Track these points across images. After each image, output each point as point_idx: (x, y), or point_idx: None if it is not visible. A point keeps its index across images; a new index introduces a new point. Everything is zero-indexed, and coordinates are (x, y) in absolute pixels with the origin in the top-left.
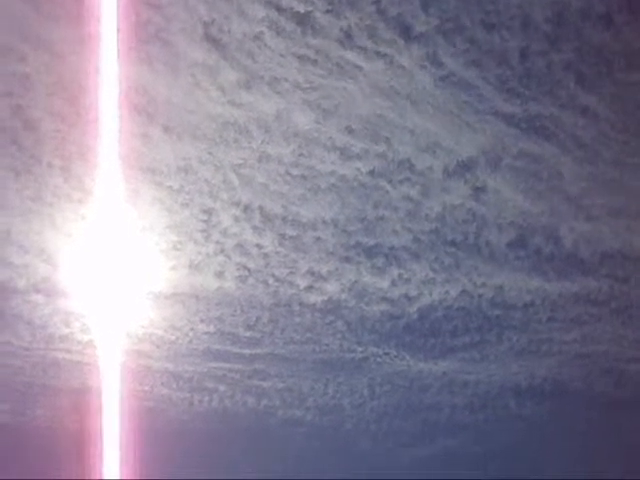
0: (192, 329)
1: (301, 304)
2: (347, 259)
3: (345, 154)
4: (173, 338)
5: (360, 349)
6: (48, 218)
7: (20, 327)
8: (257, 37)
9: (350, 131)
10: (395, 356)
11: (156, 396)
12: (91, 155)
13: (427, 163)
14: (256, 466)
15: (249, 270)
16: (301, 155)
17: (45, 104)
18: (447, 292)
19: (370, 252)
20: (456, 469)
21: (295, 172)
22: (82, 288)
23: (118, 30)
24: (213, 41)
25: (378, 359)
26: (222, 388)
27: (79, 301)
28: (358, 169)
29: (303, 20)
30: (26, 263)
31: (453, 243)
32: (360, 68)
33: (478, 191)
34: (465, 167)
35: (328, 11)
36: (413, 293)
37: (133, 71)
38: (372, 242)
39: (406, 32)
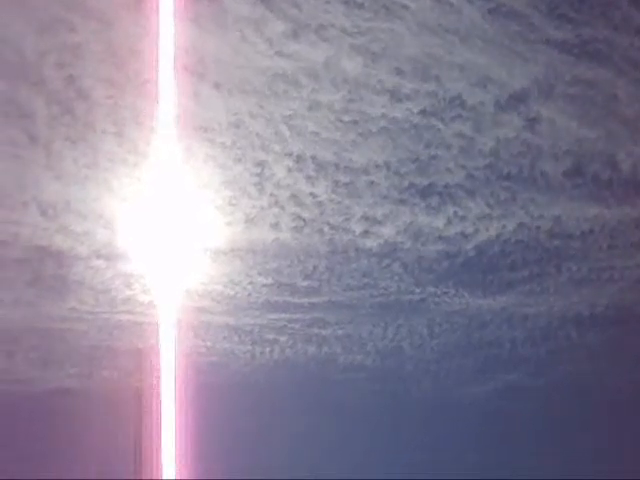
0: (250, 282)
1: (357, 250)
2: (401, 201)
3: (395, 96)
4: (232, 293)
5: (418, 290)
6: (105, 184)
7: (83, 292)
8: None
9: (399, 72)
10: (453, 294)
11: (218, 351)
12: (143, 118)
13: (478, 98)
14: (319, 414)
15: (304, 220)
16: (351, 101)
17: (96, 72)
18: (504, 227)
19: (424, 192)
20: (519, 403)
21: (346, 118)
22: (141, 250)
23: None
24: None
25: (436, 299)
26: (283, 339)
27: (139, 263)
28: (409, 110)
29: None
30: (86, 230)
31: (508, 177)
32: (407, 7)
33: (532, 122)
34: (518, 99)
35: None
36: (469, 230)
37: (181, 32)
38: (426, 182)
39: None
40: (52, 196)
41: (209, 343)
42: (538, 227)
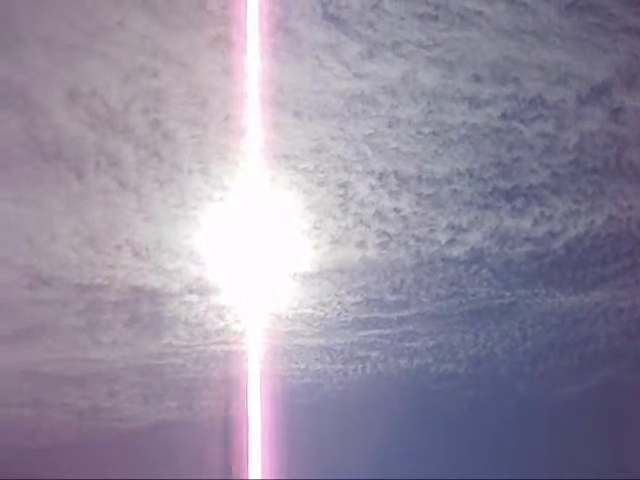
0: (339, 302)
1: (444, 259)
2: (486, 206)
3: (474, 102)
4: (322, 314)
5: (508, 294)
6: (193, 221)
7: (178, 327)
8: (375, 5)
9: (477, 79)
10: (545, 295)
11: (311, 372)
12: (227, 153)
13: (559, 95)
14: (414, 426)
15: (389, 235)
16: (430, 112)
17: (180, 114)
18: (593, 221)
19: (509, 195)
20: (618, 399)
21: (426, 130)
22: (231, 281)
23: (240, 29)
24: (332, 18)
25: (527, 300)
26: (374, 354)
27: (230, 294)
28: (489, 115)
29: None
30: (178, 267)
31: (594, 170)
32: (481, 13)
33: (616, 113)
34: (600, 91)
35: None
36: (557, 228)
37: (259, 65)
38: (510, 185)
39: None
40: (144, 237)
41: (302, 365)
42: (629, 218)
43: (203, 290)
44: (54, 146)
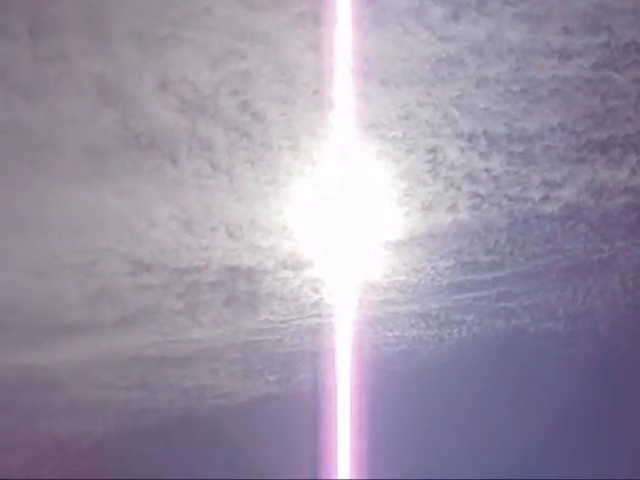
0: (433, 267)
1: (538, 217)
2: (580, 160)
3: (564, 55)
4: (415, 280)
5: (606, 247)
6: (285, 198)
7: (274, 303)
8: None
9: (567, 31)
10: None
11: (406, 339)
12: (316, 128)
13: None
14: (512, 387)
15: (481, 196)
16: (519, 69)
17: (268, 93)
18: None
19: (604, 147)
20: None
21: (515, 87)
22: (324, 254)
23: (324, 3)
24: None
25: (627, 253)
26: (470, 317)
27: (323, 267)
28: (580, 66)
29: None
30: (272, 244)
31: None
32: None
33: None
34: None
35: None
36: None
37: (343, 37)
38: (605, 136)
39: None
40: (237, 217)
41: (397, 333)
42: None
43: (297, 265)
44: (148, 136)
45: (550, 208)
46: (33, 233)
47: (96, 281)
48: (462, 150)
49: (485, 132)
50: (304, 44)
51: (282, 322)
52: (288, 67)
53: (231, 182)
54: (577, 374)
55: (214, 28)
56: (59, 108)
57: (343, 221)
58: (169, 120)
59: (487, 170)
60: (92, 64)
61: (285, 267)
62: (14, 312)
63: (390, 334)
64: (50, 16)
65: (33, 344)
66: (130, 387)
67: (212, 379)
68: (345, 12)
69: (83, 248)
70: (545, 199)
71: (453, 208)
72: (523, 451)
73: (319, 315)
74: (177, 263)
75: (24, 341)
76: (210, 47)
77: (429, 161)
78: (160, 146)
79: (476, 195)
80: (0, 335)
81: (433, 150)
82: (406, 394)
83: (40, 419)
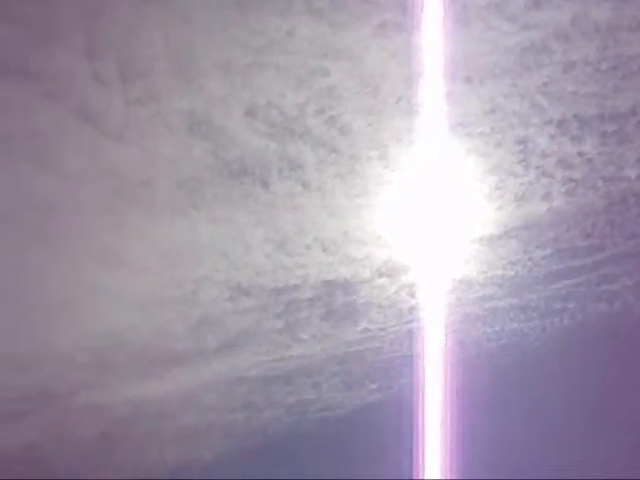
0: (529, 258)
1: (635, 195)
2: None
3: None
4: (512, 273)
5: None
6: (376, 207)
7: (372, 312)
8: None
9: None
10: None
11: (507, 333)
12: (402, 134)
13: None
14: (623, 370)
15: (575, 181)
16: (606, 48)
17: (353, 106)
18: None
19: None
20: None
21: (604, 67)
22: (419, 258)
23: (403, 12)
24: None
25: None
26: (571, 305)
27: (419, 270)
28: None
29: None
30: (366, 254)
31: None
32: None
33: None
34: None
35: None
36: None
37: (425, 41)
38: None
39: None
40: (331, 232)
41: (497, 328)
42: None
43: (392, 272)
44: (239, 163)
45: None
46: (134, 270)
47: (197, 310)
48: (552, 137)
49: (575, 116)
50: (386, 53)
51: (381, 330)
52: (372, 78)
53: (323, 198)
54: None
55: (297, 50)
56: (152, 147)
57: (436, 223)
58: (258, 145)
59: (580, 154)
60: (181, 101)
61: (381, 275)
62: (121, 348)
63: (490, 330)
64: (139, 60)
65: (141, 377)
66: (235, 409)
67: (314, 393)
68: (425, 16)
69: (183, 279)
70: None
71: (547, 196)
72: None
73: (417, 319)
74: (274, 283)
75: (132, 375)
76: (294, 69)
77: (519, 152)
78: (251, 172)
79: (570, 180)
80: (110, 371)
81: (523, 141)
82: (510, 389)
83: (151, 449)
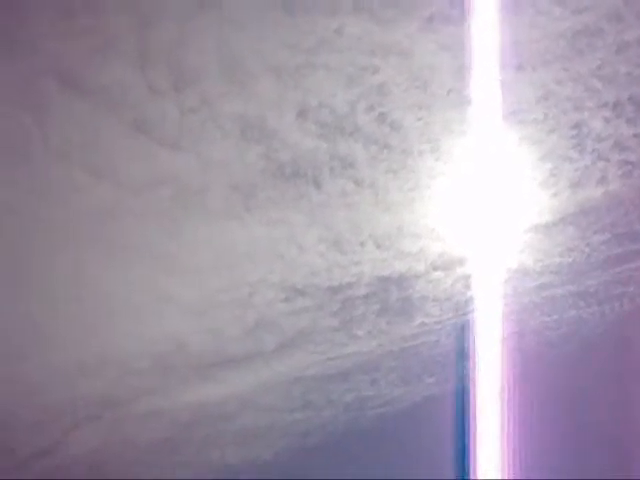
0: (587, 244)
1: None
2: None
3: None
4: (570, 260)
5: None
6: (429, 200)
7: (428, 306)
8: None
9: None
10: None
11: (566, 321)
12: (453, 126)
13: None
14: None
15: (632, 163)
16: None
17: (403, 101)
18: None
19: None
20: None
21: None
22: (475, 249)
23: (451, 3)
24: None
25: None
26: (631, 289)
27: (475, 262)
28: None
29: None
30: (420, 248)
31: None
32: None
33: None
34: None
35: None
36: None
37: (474, 32)
38: None
39: None
40: (385, 228)
41: (555, 316)
42: None
43: (447, 264)
44: (291, 165)
45: None
46: (191, 274)
47: (253, 312)
48: (607, 120)
49: (630, 98)
50: (435, 46)
51: (437, 323)
52: (421, 72)
53: (376, 195)
54: None
55: (346, 48)
56: (206, 153)
57: (490, 213)
58: (310, 146)
59: (636, 135)
60: (233, 106)
61: (436, 268)
62: (180, 352)
63: (549, 318)
64: (191, 68)
65: (200, 381)
66: (294, 409)
67: (372, 390)
68: (473, 6)
69: (238, 282)
70: None
71: (603, 180)
72: None
73: (474, 310)
74: (329, 282)
75: (192, 379)
76: (344, 67)
77: (573, 137)
78: (303, 173)
79: (627, 163)
80: (169, 376)
81: (577, 126)
82: (571, 376)
83: (213, 450)
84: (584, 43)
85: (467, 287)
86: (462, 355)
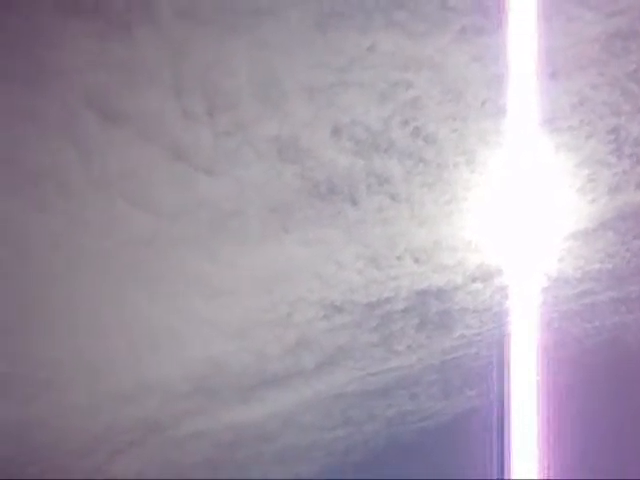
0: (627, 249)
1: None
2: None
3: None
4: (610, 266)
5: None
6: (466, 212)
7: (467, 318)
8: None
9: None
10: None
11: (608, 327)
12: (488, 137)
13: None
14: None
15: None
16: None
17: (437, 114)
18: None
19: None
20: None
21: None
22: (513, 259)
23: (483, 15)
24: None
25: None
26: None
27: (513, 272)
28: None
29: None
30: (458, 260)
31: None
32: None
33: None
34: None
35: None
36: None
37: (507, 41)
38: None
39: None
40: (421, 242)
41: (597, 323)
42: None
43: (486, 276)
44: (327, 183)
45: None
46: (229, 296)
47: (293, 331)
48: None
49: None
50: (468, 57)
51: (477, 335)
52: (455, 84)
53: (412, 209)
54: None
55: (379, 64)
56: (241, 176)
57: (528, 222)
58: (345, 163)
59: None
60: (267, 127)
61: (474, 280)
62: (220, 374)
63: (589, 325)
64: (224, 92)
65: (242, 401)
66: (335, 426)
67: (413, 404)
68: (504, 16)
69: (277, 302)
70: None
71: None
72: None
73: (514, 321)
74: (367, 298)
75: (233, 400)
76: (377, 84)
77: (611, 142)
78: (339, 190)
79: None
80: (211, 398)
81: (614, 130)
82: (613, 385)
83: (255, 470)
84: (619, 47)
85: (506, 297)
86: (502, 366)
